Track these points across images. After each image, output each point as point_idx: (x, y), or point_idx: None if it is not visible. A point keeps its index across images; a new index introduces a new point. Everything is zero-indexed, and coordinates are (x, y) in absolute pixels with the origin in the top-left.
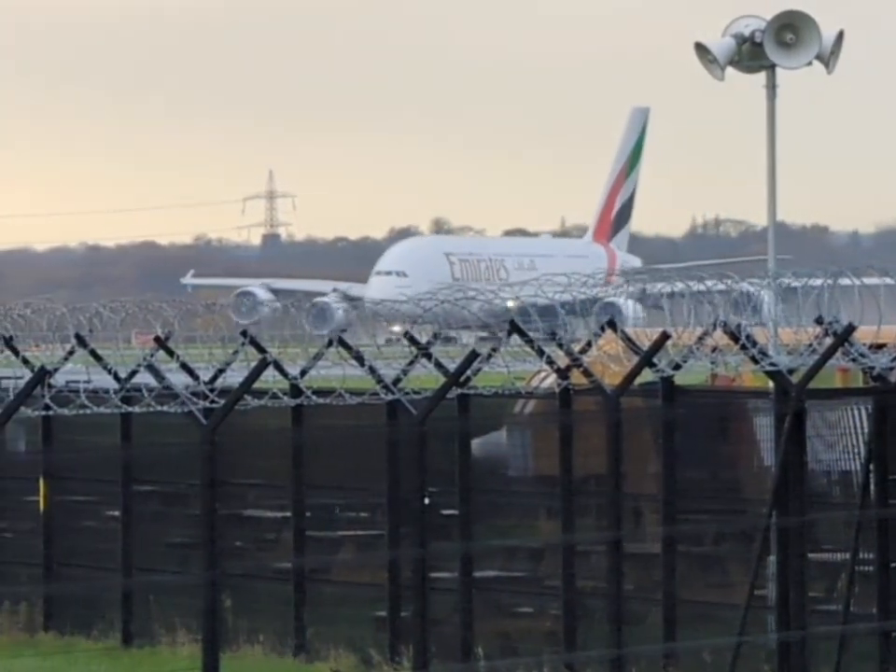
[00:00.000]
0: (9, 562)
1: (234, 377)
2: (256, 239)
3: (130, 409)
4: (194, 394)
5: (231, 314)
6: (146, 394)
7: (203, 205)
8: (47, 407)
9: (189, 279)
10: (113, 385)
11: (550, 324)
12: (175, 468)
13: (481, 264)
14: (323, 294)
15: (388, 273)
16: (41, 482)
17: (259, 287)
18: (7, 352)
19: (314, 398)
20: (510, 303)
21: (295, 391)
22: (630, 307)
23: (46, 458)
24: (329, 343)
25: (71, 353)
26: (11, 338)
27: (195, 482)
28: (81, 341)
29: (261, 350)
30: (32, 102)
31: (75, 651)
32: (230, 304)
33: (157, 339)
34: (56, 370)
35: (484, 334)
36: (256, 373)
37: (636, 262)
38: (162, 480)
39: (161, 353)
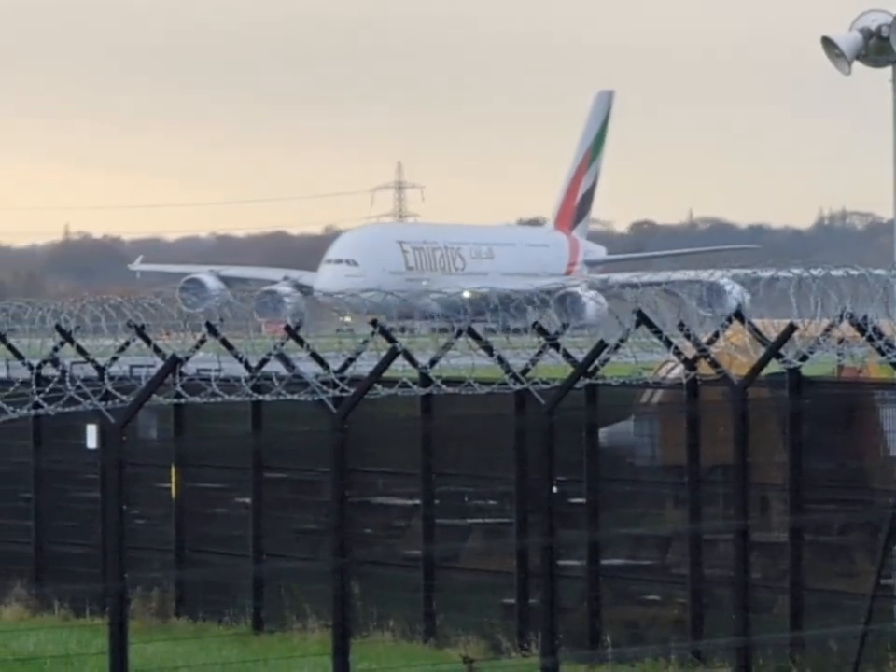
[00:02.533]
0: (142, 548)
1: (364, 366)
2: None
3: (260, 397)
4: (324, 382)
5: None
6: (276, 382)
7: (333, 196)
8: (178, 395)
9: (137, 265)
10: (244, 373)
11: (508, 314)
12: (306, 455)
13: (436, 253)
14: (274, 282)
15: (339, 262)
16: (173, 469)
17: (207, 275)
18: (139, 340)
19: (443, 387)
20: (466, 294)
21: (425, 380)
22: (590, 297)
23: (177, 446)
24: (459, 334)
25: (202, 341)
26: (143, 327)
27: (325, 469)
28: (212, 329)
29: (391, 339)
30: (165, 94)
31: (206, 637)
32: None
33: (287, 327)
34: (187, 358)
35: (442, 325)
36: (386, 362)
37: (600, 252)
38: (293, 467)
39: (292, 341)
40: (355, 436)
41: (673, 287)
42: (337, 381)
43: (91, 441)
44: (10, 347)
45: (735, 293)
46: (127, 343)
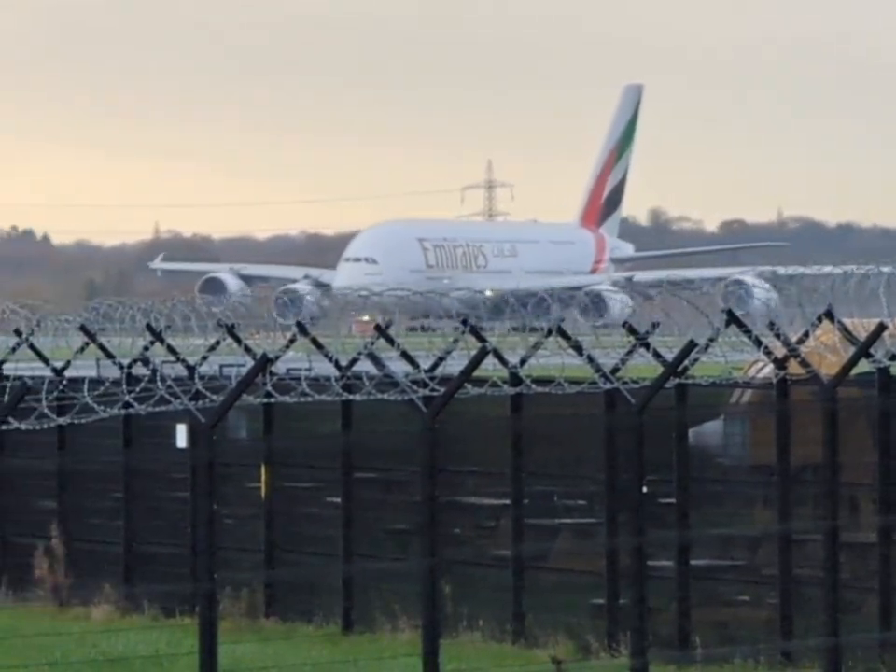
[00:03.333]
0: (231, 548)
1: (454, 365)
2: None
3: (350, 396)
4: (414, 382)
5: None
6: (366, 382)
7: (423, 195)
8: (268, 394)
9: (157, 263)
10: (334, 372)
11: (534, 313)
12: (395, 455)
13: (457, 250)
14: (294, 281)
15: (357, 260)
16: (262, 468)
17: (226, 273)
18: (230, 340)
19: (533, 386)
20: (488, 292)
21: (514, 380)
22: (615, 296)
23: (267, 445)
24: (548, 333)
25: (292, 341)
26: (233, 326)
27: (415, 469)
28: (302, 329)
29: (481, 339)
30: (255, 90)
31: (295, 638)
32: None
33: (377, 327)
34: (277, 357)
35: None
36: (476, 362)
37: (627, 249)
38: (382, 467)
39: (382, 341)
40: (444, 435)
41: (697, 286)
42: (427, 380)
43: (181, 440)
44: (101, 347)
45: (760, 292)
46: (217, 343)
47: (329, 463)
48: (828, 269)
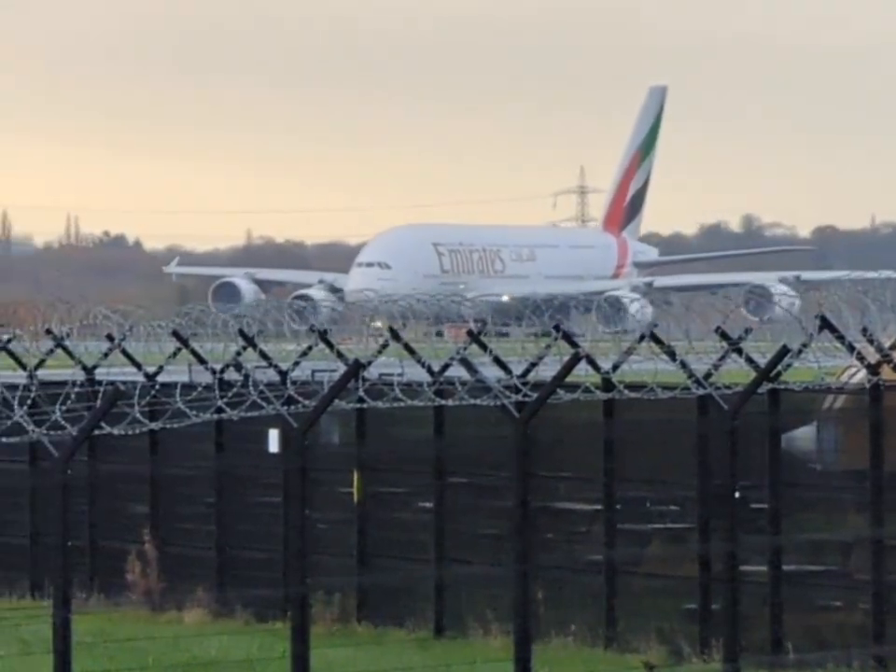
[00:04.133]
0: (323, 553)
1: (546, 371)
2: None
3: (443, 402)
4: (507, 387)
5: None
6: (459, 387)
7: (516, 200)
8: (361, 400)
9: (172, 268)
10: (426, 378)
11: (553, 318)
12: (487, 460)
13: (473, 255)
14: (308, 285)
15: (370, 265)
16: (355, 473)
17: (241, 278)
18: (322, 345)
19: (626, 392)
20: (504, 298)
21: (607, 385)
22: (633, 302)
23: (359, 450)
24: (641, 338)
25: (384, 346)
26: (326, 331)
27: (507, 474)
28: (395, 334)
29: (574, 344)
30: (345, 99)
31: (387, 642)
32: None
33: (469, 332)
34: (370, 363)
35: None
36: (568, 367)
37: (652, 253)
38: (475, 472)
39: (474, 346)
40: (537, 441)
41: (719, 291)
42: (520, 386)
43: (273, 445)
44: (193, 352)
45: (782, 298)
46: (310, 348)
47: (421, 468)
48: (856, 274)
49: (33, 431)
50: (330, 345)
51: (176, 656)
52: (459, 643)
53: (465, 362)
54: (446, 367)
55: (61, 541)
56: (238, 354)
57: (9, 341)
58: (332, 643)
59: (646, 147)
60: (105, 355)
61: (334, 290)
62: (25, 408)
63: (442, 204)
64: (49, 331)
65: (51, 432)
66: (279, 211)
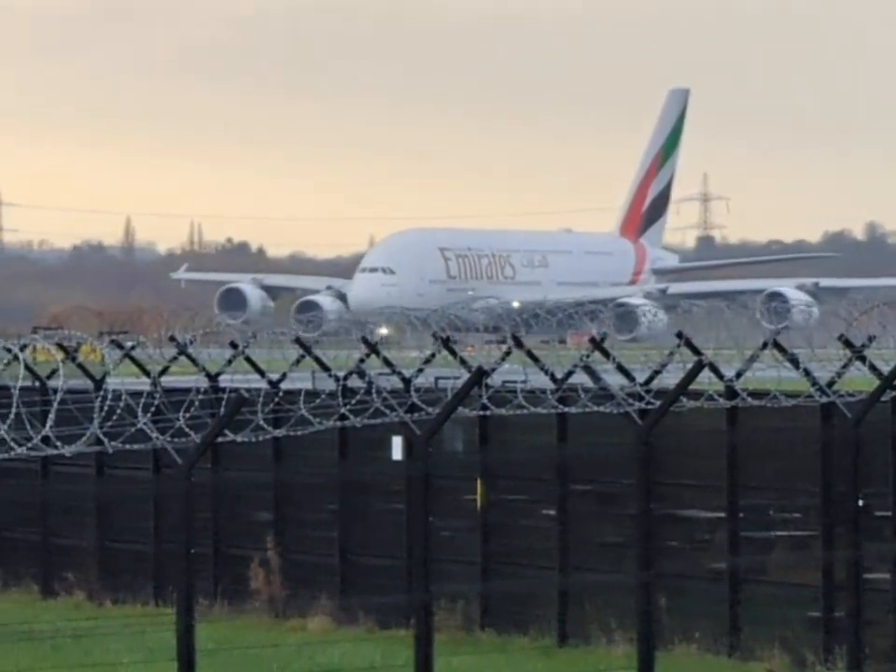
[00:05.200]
0: (447, 560)
1: (669, 378)
2: (690, 241)
3: (566, 409)
4: (630, 395)
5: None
6: (581, 394)
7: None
8: (484, 407)
9: (181, 273)
10: (549, 385)
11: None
12: (610, 467)
13: (482, 261)
14: (316, 291)
15: (374, 270)
16: (478, 480)
17: (248, 284)
18: (445, 352)
19: (749, 399)
20: (515, 304)
21: (730, 393)
22: (647, 308)
23: (483, 457)
24: (764, 346)
25: (508, 353)
26: (448, 339)
27: (630, 481)
28: (517, 341)
29: (697, 352)
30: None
31: (511, 650)
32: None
33: (592, 339)
34: (493, 370)
35: (492, 338)
36: (692, 375)
37: (671, 260)
38: (597, 479)
39: (597, 354)
40: (660, 448)
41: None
42: (643, 393)
43: (397, 452)
44: (317, 359)
45: (801, 305)
46: (433, 355)
47: (544, 475)
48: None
49: (157, 438)
50: (454, 352)
51: (300, 664)
52: (582, 651)
53: (588, 369)
54: (569, 374)
55: (184, 548)
56: (361, 361)
57: (133, 348)
58: (456, 650)
59: (666, 151)
60: (229, 362)
61: (342, 297)
62: (149, 415)
63: (561, 213)
64: (172, 338)
65: (175, 439)
66: (401, 218)
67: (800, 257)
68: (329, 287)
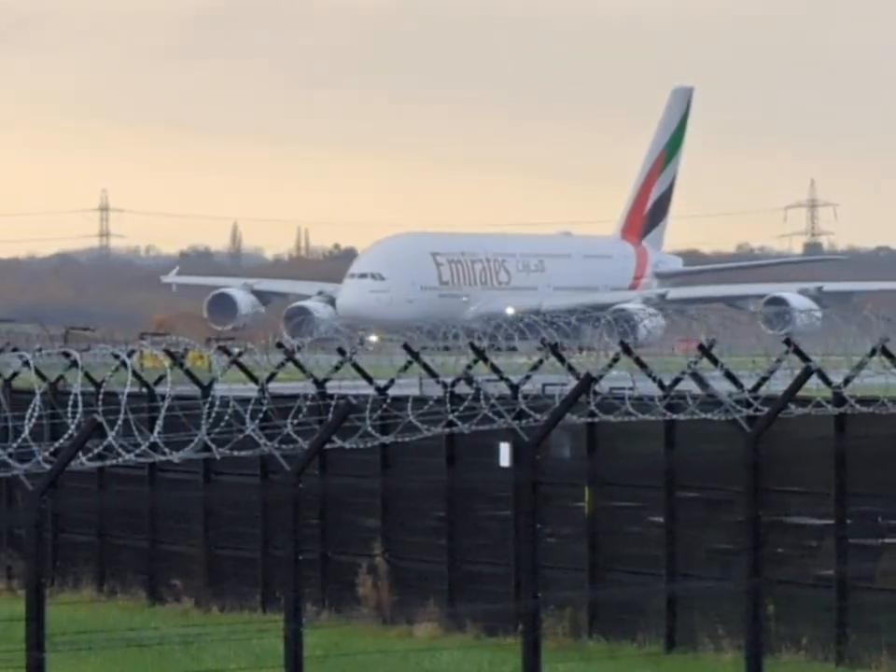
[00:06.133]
0: (554, 567)
1: (777, 385)
2: (797, 248)
3: (674, 416)
4: (738, 401)
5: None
6: (690, 401)
7: (746, 213)
8: (592, 413)
9: (171, 277)
10: (657, 392)
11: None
12: (718, 474)
13: (475, 266)
14: (307, 297)
15: (363, 276)
16: (586, 487)
17: (238, 289)
18: (552, 358)
19: (857, 406)
20: (509, 310)
21: (838, 399)
22: (645, 313)
23: (590, 464)
24: (872, 353)
25: (615, 360)
26: (557, 345)
27: (738, 488)
28: (626, 348)
29: (805, 358)
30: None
31: (619, 657)
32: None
33: (700, 346)
34: (601, 376)
35: (485, 343)
36: (800, 382)
37: (675, 264)
38: (705, 486)
39: (705, 360)
40: (768, 455)
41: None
42: (751, 400)
43: (504, 459)
44: (425, 365)
45: (802, 310)
46: (541, 361)
47: (652, 482)
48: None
49: (264, 445)
50: (562, 359)
51: (407, 670)
52: (690, 658)
53: (696, 376)
54: (677, 381)
55: (292, 555)
56: (469, 367)
57: (240, 354)
58: (564, 657)
59: (669, 151)
60: (337, 368)
61: (333, 302)
62: (257, 422)
63: (680, 218)
64: (279, 345)
65: (283, 446)
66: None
67: (808, 260)
68: (320, 293)
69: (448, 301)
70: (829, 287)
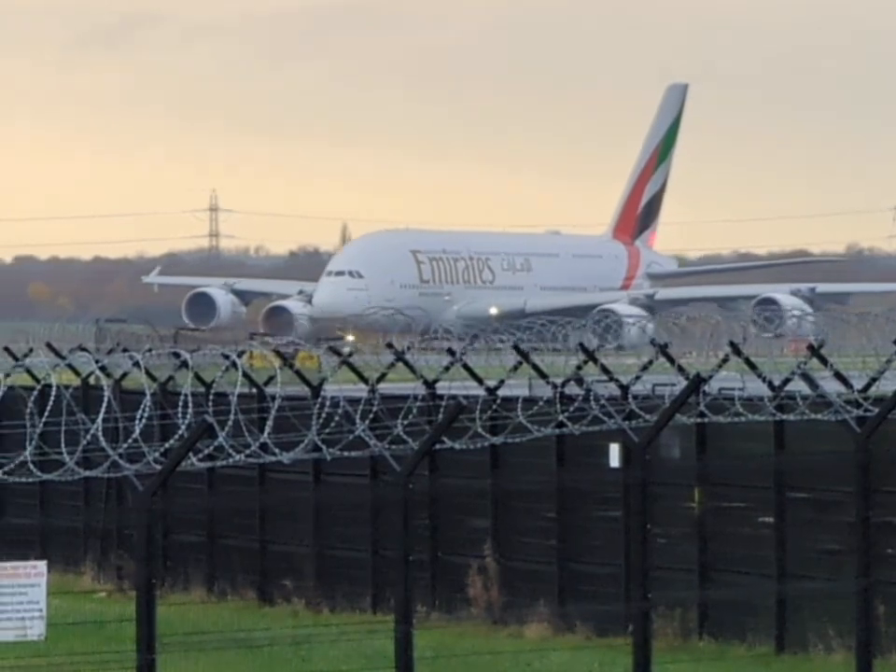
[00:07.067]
0: (664, 567)
1: (887, 386)
2: None
3: (783, 416)
4: (847, 402)
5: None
6: (799, 402)
7: (856, 214)
8: (701, 414)
9: (153, 277)
10: (766, 392)
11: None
12: (828, 475)
13: (458, 264)
14: (287, 296)
15: (340, 274)
16: (696, 488)
17: (218, 288)
18: (662, 359)
19: None
20: (493, 310)
21: None
22: (631, 315)
23: (700, 465)
24: None
25: (724, 360)
26: (667, 345)
27: (848, 489)
28: (735, 348)
29: None
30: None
31: (728, 658)
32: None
33: (810, 347)
34: (710, 377)
35: (465, 343)
36: None
37: (669, 264)
38: (815, 487)
39: (815, 361)
40: (878, 456)
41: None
42: (861, 400)
43: (614, 460)
44: (534, 366)
45: (793, 309)
46: (650, 362)
47: (761, 482)
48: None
49: (374, 445)
50: (671, 359)
51: (517, 671)
52: (800, 659)
53: (805, 377)
54: (787, 381)
55: (402, 556)
56: (579, 368)
57: (350, 354)
58: (674, 658)
59: (664, 149)
60: (446, 368)
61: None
62: (367, 422)
63: (787, 218)
64: (389, 345)
65: (393, 446)
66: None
67: (798, 262)
68: (300, 292)
69: (429, 299)
70: (822, 287)
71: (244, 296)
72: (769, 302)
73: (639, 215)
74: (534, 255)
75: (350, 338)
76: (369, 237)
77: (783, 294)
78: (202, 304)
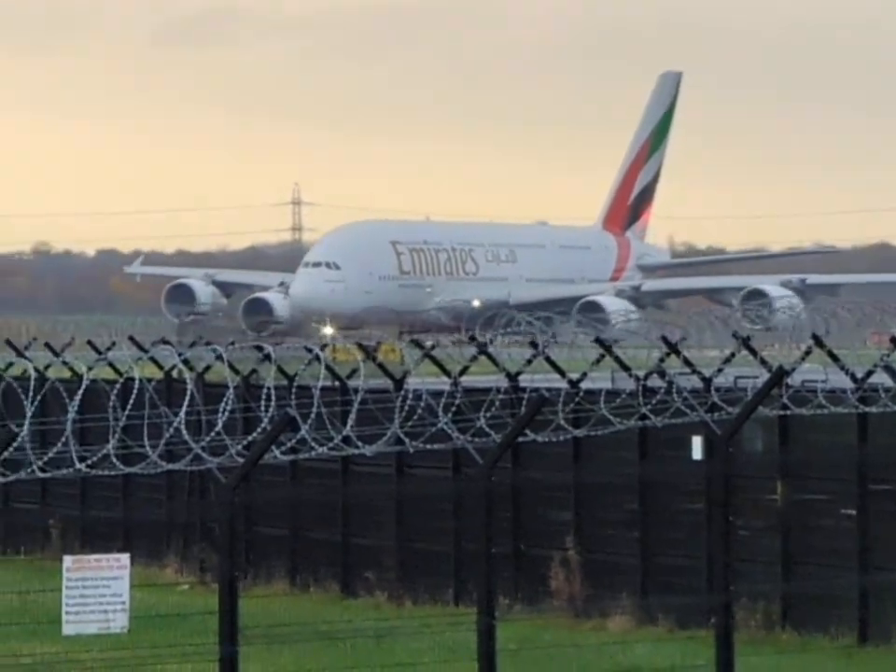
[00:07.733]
0: (746, 560)
1: None
2: None
3: (866, 409)
4: None
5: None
6: (882, 394)
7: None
8: (784, 406)
9: (135, 267)
10: (849, 384)
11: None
12: None
13: (439, 255)
14: (268, 288)
15: (317, 265)
16: (778, 481)
17: (198, 280)
18: (745, 351)
19: None
20: (475, 303)
21: None
22: (616, 306)
23: (783, 457)
24: None
25: (808, 353)
26: (749, 338)
27: None
28: (818, 341)
29: None
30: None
31: (811, 650)
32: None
33: (893, 339)
34: (793, 369)
35: (453, 337)
36: None
37: (662, 255)
38: None
39: None
40: None
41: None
42: None
43: (697, 452)
44: (617, 359)
45: (783, 302)
46: (733, 354)
47: (844, 475)
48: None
49: (457, 438)
50: (754, 352)
51: (600, 663)
52: (883, 651)
53: (888, 369)
54: (869, 374)
55: (485, 548)
56: (661, 360)
57: (433, 347)
58: (756, 651)
59: (656, 138)
60: (529, 361)
61: None
62: (450, 415)
63: (874, 210)
64: (472, 338)
65: (475, 439)
66: (701, 217)
67: (789, 254)
68: (281, 284)
69: (409, 291)
70: (813, 279)
71: (225, 287)
72: (758, 294)
73: (631, 205)
74: (519, 246)
75: (328, 330)
76: (347, 227)
77: (772, 286)
78: (181, 295)
